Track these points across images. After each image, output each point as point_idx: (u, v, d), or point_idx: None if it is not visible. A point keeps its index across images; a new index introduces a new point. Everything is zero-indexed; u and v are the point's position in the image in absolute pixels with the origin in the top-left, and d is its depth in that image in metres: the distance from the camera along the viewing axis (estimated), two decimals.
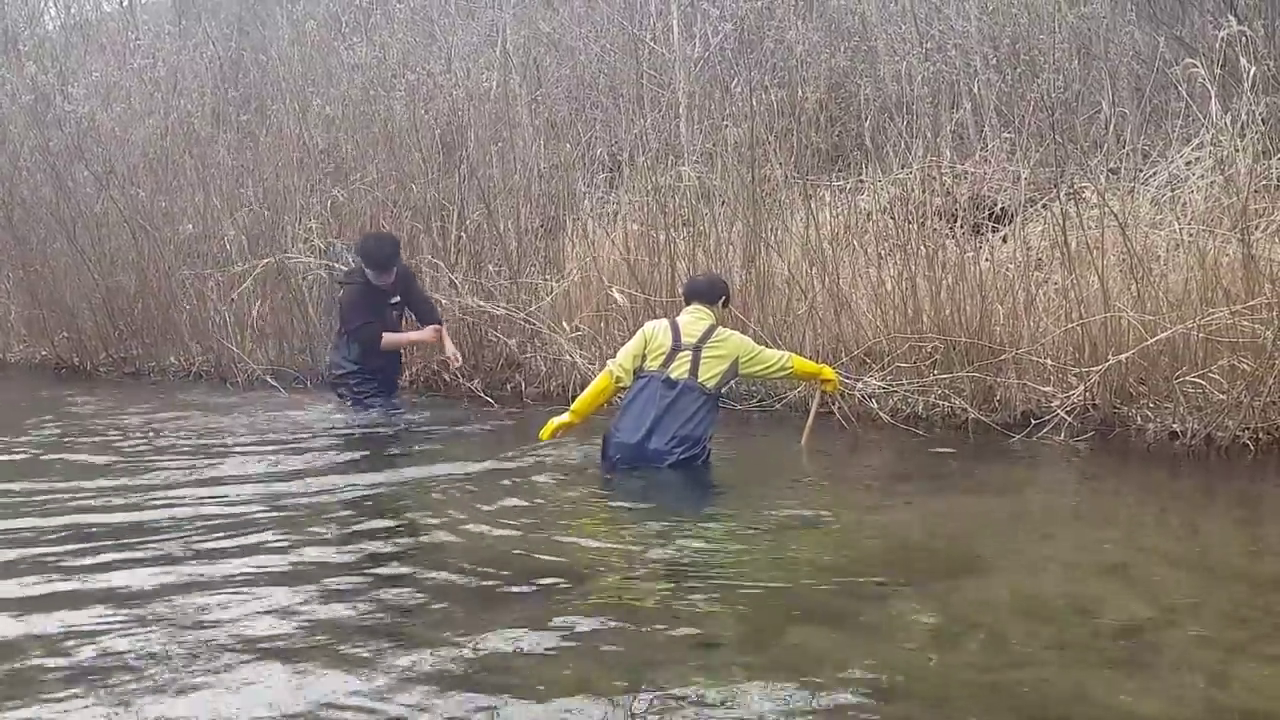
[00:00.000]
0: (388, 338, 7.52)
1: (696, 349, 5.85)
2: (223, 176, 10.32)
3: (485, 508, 5.13)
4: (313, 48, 11.52)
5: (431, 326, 7.72)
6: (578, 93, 11.45)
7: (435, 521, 4.95)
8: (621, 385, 5.98)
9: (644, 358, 5.93)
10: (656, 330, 6.00)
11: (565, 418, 6.02)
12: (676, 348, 5.88)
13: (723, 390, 5.97)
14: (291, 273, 9.27)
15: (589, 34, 12.27)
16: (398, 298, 7.61)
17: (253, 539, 4.67)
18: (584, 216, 9.19)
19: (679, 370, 5.83)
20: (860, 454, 6.40)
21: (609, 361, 6.13)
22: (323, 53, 11.40)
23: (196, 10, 16.16)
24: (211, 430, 7.31)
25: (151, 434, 7.21)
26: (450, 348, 7.73)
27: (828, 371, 6.31)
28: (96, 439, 7.07)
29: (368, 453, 6.62)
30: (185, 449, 6.65)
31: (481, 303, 8.50)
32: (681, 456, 5.76)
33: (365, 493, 5.58)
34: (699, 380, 5.80)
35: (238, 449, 6.63)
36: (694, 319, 5.99)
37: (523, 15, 13.21)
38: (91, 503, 5.31)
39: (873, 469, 6.15)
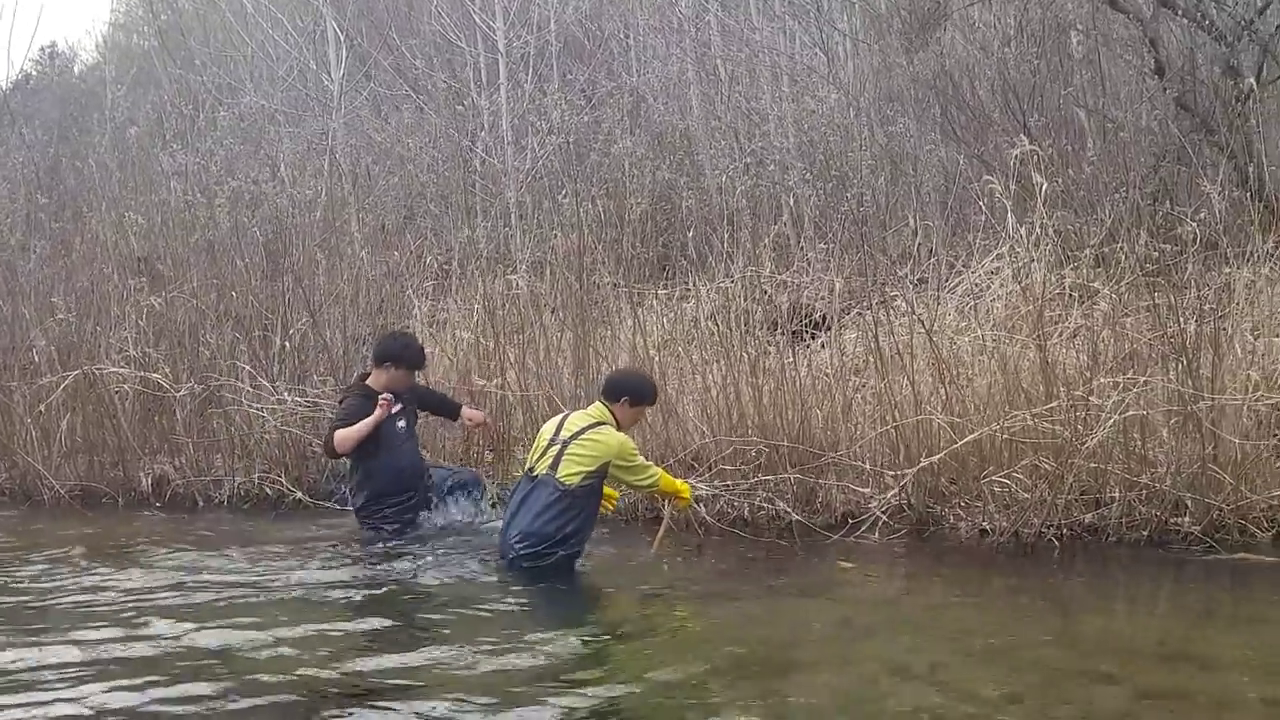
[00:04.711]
0: (340, 434, 6.65)
1: (565, 443, 5.79)
2: (33, 286, 9.91)
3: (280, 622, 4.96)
4: (133, 154, 11.30)
5: (381, 401, 6.63)
6: (408, 201, 11.49)
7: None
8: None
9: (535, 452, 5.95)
10: (550, 424, 6.01)
11: None
12: (552, 441, 5.85)
13: (596, 488, 5.86)
14: (104, 384, 8.90)
15: (421, 144, 12.39)
16: (400, 406, 6.80)
17: None
18: (414, 324, 9.14)
19: (543, 465, 5.80)
20: (686, 558, 6.42)
21: None
22: (143, 159, 11.18)
23: (12, 116, 15.68)
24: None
25: None
26: (472, 412, 7.31)
27: (685, 490, 6.25)
28: None
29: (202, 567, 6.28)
30: None
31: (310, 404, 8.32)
32: (523, 552, 5.67)
33: (215, 610, 5.28)
34: (556, 475, 5.73)
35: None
36: (583, 414, 5.99)
37: (353, 124, 13.26)
38: None
39: (698, 573, 6.17)
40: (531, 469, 5.86)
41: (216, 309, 9.12)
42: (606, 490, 6.11)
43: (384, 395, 6.64)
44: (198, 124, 12.63)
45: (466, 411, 7.33)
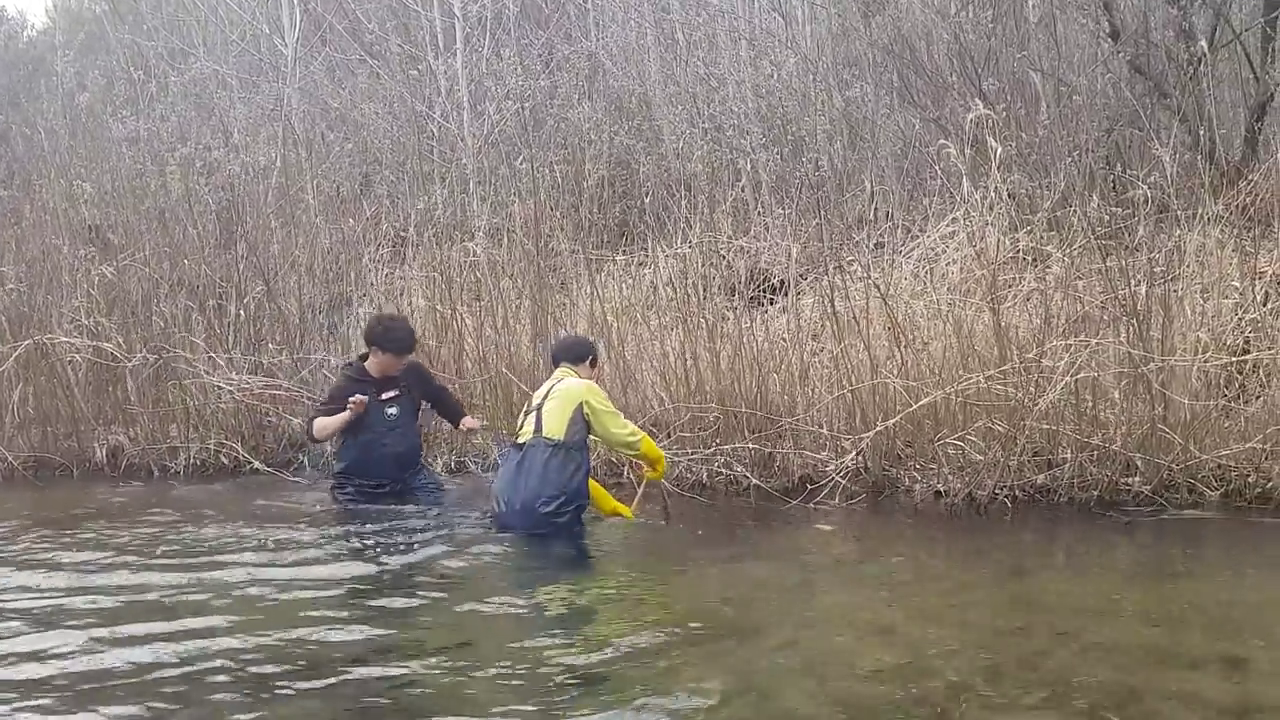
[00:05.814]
0: (319, 424, 6.72)
1: (539, 407, 5.91)
2: None
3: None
4: (83, 120, 11.11)
5: (352, 403, 6.60)
6: (364, 167, 11.38)
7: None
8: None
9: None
10: (524, 410, 6.10)
11: None
12: (528, 411, 5.99)
13: (583, 439, 5.89)
14: (56, 354, 8.79)
15: (378, 110, 12.25)
16: (395, 392, 6.78)
17: None
18: (371, 292, 9.09)
19: (526, 431, 5.90)
20: (645, 523, 6.45)
21: None
22: (94, 126, 11.00)
23: None
24: None
25: None
26: (470, 422, 7.19)
27: (661, 463, 6.30)
28: None
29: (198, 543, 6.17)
30: None
31: (265, 380, 8.23)
32: (542, 512, 5.71)
33: (221, 585, 5.17)
34: (544, 435, 5.81)
35: None
36: (551, 380, 6.10)
37: (307, 89, 13.09)
38: None
39: (657, 538, 6.21)
40: (517, 440, 5.95)
41: (169, 278, 9.03)
42: (620, 508, 6.18)
43: (355, 397, 6.58)
44: (149, 90, 12.41)
45: (465, 421, 7.19)
